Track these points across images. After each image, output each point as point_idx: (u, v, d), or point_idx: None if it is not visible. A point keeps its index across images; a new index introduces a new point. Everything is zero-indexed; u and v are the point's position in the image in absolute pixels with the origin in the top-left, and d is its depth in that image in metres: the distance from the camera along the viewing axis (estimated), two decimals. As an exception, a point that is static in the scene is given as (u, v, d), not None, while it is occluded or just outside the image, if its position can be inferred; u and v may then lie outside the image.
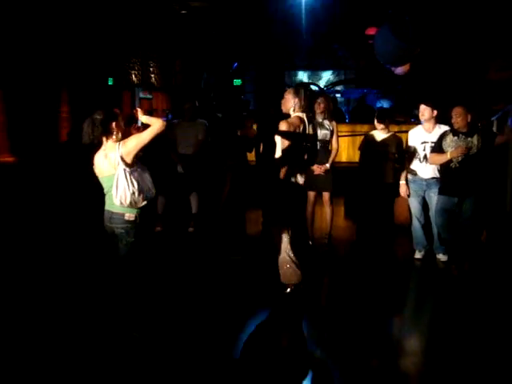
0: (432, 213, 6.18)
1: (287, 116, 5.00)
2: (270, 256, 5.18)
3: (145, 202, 4.22)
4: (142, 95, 15.57)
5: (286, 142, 4.80)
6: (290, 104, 4.99)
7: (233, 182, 7.57)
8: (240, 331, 4.34)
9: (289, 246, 4.93)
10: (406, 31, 8.25)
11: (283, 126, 4.83)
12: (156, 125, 4.16)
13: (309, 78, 20.25)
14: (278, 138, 4.86)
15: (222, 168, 7.53)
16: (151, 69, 16.20)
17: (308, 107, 5.01)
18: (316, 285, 5.38)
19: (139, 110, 4.37)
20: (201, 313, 4.76)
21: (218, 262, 6.20)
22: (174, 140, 7.35)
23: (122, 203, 4.12)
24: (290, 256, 4.93)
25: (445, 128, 6.10)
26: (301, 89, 5.01)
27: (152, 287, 4.96)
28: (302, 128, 4.89)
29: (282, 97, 5.10)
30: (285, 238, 4.94)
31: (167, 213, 7.58)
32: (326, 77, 20.25)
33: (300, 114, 4.95)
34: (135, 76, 15.31)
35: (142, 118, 4.29)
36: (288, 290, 4.99)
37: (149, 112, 9.43)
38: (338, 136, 6.99)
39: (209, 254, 6.52)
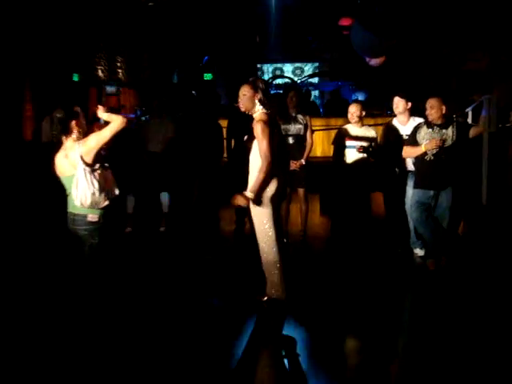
0: (408, 207, 6.26)
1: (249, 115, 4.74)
2: (245, 255, 5.19)
3: (107, 202, 4.23)
4: (109, 91, 15.48)
5: (265, 145, 4.51)
6: (253, 101, 4.63)
7: (201, 186, 7.58)
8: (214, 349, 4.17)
9: (275, 244, 4.70)
10: (378, 24, 8.34)
11: (261, 129, 4.51)
12: (116, 122, 4.16)
13: (281, 71, 20.31)
14: (255, 142, 4.61)
15: (191, 172, 7.53)
16: (118, 63, 16.09)
17: (268, 102, 4.66)
18: (292, 285, 5.40)
19: (100, 107, 4.36)
20: (171, 318, 4.74)
21: (190, 262, 6.21)
22: (143, 138, 7.33)
23: (82, 204, 4.13)
24: (275, 258, 4.71)
25: (419, 120, 6.18)
26: (257, 80, 4.69)
27: (120, 289, 4.94)
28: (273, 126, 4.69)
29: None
30: (269, 233, 4.69)
31: (138, 212, 7.56)
32: (299, 70, 20.31)
33: (265, 111, 4.64)
34: (102, 71, 15.20)
35: (103, 116, 4.29)
36: (265, 298, 4.83)
37: (116, 109, 9.42)
38: (313, 130, 7.04)
39: (181, 254, 6.53)
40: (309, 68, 20.21)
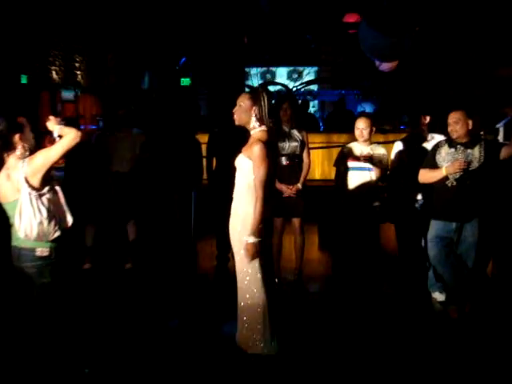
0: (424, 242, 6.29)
1: (242, 130, 4.75)
2: (229, 299, 5.16)
3: (58, 233, 4.20)
4: (65, 97, 15.47)
5: (264, 172, 4.51)
6: (249, 114, 4.63)
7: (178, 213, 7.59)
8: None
9: (261, 289, 4.66)
10: (390, 21, 8.44)
11: (261, 151, 4.48)
12: (68, 136, 4.15)
13: (272, 75, 20.37)
14: (246, 164, 4.58)
15: (168, 198, 7.54)
16: (77, 64, 16.12)
17: (270, 117, 4.68)
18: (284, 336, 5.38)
19: (51, 118, 4.34)
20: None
21: (160, 305, 6.18)
22: (106, 155, 7.33)
23: (27, 235, 4.10)
24: (261, 304, 4.65)
25: (439, 138, 6.22)
26: (261, 92, 4.69)
27: (74, 341, 4.90)
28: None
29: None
30: (254, 275, 4.65)
31: (98, 245, 7.54)
32: (295, 76, 20.39)
33: (264, 129, 4.64)
34: (56, 73, 15.21)
35: (54, 129, 4.27)
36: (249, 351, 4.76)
37: (73, 119, 9.42)
38: (310, 148, 7.08)
39: (150, 296, 6.50)
40: (307, 72, 20.29)
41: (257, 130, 4.64)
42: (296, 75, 20.25)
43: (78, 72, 16.21)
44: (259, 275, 4.65)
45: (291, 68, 20.34)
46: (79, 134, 4.17)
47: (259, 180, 4.51)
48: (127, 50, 17.11)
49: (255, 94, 4.69)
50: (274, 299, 4.76)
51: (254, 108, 4.63)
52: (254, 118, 4.63)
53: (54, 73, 15.12)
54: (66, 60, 15.66)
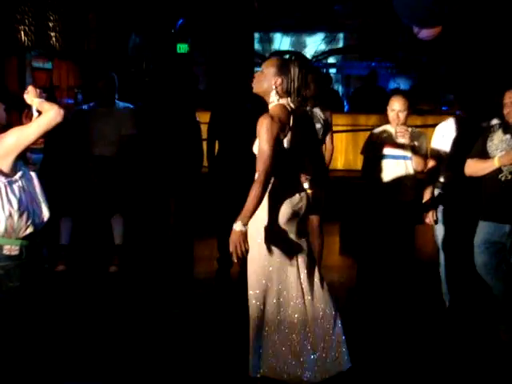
0: (439, 243, 6.40)
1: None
2: (231, 309, 5.21)
3: (31, 229, 4.21)
4: (36, 64, 15.46)
5: (266, 147, 4.48)
6: (270, 84, 4.62)
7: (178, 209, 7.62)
8: None
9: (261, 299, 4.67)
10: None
11: (267, 124, 4.48)
12: (48, 114, 4.14)
13: (291, 44, 20.29)
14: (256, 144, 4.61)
15: (162, 186, 7.57)
16: (50, 25, 16.12)
17: (300, 92, 4.66)
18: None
19: (31, 88, 4.35)
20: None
21: (151, 317, 6.22)
22: (86, 135, 7.36)
23: None
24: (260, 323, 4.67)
25: (492, 122, 6.22)
26: (292, 62, 4.71)
27: (46, 354, 4.95)
28: (290, 127, 4.63)
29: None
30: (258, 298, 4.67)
31: (76, 244, 7.58)
32: (316, 43, 20.30)
33: (286, 102, 4.64)
34: (25, 34, 15.22)
35: (34, 103, 4.28)
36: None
37: (47, 89, 9.42)
38: (333, 132, 7.10)
39: (138, 304, 6.54)
40: (321, 41, 20.13)
41: (272, 104, 4.64)
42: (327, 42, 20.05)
43: (53, 33, 16.20)
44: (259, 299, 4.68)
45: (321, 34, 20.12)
46: (61, 112, 4.16)
47: (259, 157, 4.48)
48: (112, 7, 17.09)
49: (284, 62, 4.70)
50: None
51: (277, 78, 4.60)
52: (274, 91, 4.62)
53: (22, 34, 15.13)
54: (38, 18, 15.65)
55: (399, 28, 11.28)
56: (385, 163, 6.53)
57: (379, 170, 6.56)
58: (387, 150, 6.52)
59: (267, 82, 4.62)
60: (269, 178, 4.51)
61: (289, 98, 4.64)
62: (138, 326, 6.06)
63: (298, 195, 4.71)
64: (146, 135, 7.50)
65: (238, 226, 4.39)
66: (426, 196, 6.47)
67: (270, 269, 4.64)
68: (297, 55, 18.61)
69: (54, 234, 7.33)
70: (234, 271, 7.22)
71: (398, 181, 6.49)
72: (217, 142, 7.43)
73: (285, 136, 4.58)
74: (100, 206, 7.44)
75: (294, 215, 4.68)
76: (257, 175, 4.50)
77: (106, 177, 7.34)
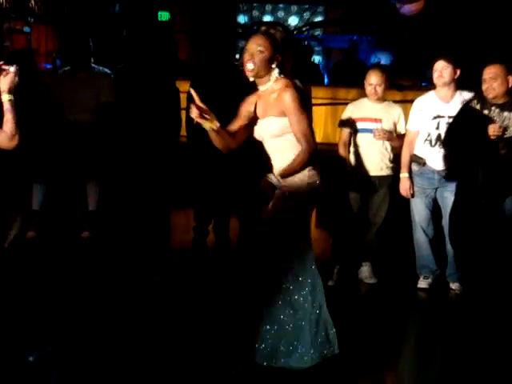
0: (446, 221, 6.34)
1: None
2: (207, 278, 5.18)
3: None
4: (14, 27, 15.27)
5: (306, 123, 4.49)
6: (269, 65, 4.48)
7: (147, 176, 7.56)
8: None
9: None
10: None
11: (297, 97, 4.44)
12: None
13: (272, 16, 20.18)
14: (278, 124, 4.50)
15: (139, 154, 7.52)
16: (29, -15, 15.95)
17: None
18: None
19: (8, 73, 4.29)
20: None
21: (125, 285, 6.19)
22: (61, 100, 7.29)
23: None
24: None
25: (468, 96, 6.21)
26: (284, 38, 4.60)
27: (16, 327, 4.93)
28: None
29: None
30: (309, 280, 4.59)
31: (48, 210, 7.53)
32: (297, 15, 20.20)
33: (287, 78, 4.59)
34: (3, -5, 15.04)
35: (3, 97, 4.23)
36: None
37: (25, 52, 9.28)
38: (312, 105, 7.06)
39: (113, 272, 6.53)
40: (302, 13, 19.99)
41: (278, 79, 4.53)
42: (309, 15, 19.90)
43: (31, -4, 16.04)
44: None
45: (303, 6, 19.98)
46: (16, 139, 4.15)
47: (303, 133, 4.46)
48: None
49: (277, 39, 4.55)
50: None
51: (277, 56, 4.51)
52: (275, 70, 4.51)
53: (0, -4, 14.95)
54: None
55: (382, 2, 11.22)
56: (361, 137, 6.51)
57: (356, 143, 6.55)
58: (364, 124, 6.50)
59: (266, 63, 4.45)
60: (311, 155, 4.51)
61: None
62: (111, 294, 6.03)
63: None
64: (124, 102, 7.43)
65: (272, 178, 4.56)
66: (404, 168, 6.46)
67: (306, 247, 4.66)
68: (280, 27, 18.52)
69: (27, 200, 7.26)
70: (210, 241, 7.21)
71: (375, 155, 6.48)
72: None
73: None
74: (74, 172, 7.41)
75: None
76: (306, 144, 4.46)
77: (82, 142, 7.28)
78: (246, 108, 4.67)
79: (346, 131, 6.60)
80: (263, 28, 4.64)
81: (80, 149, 7.30)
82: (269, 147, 4.61)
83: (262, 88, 4.57)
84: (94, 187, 7.51)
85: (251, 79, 4.52)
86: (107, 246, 7.30)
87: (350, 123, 6.57)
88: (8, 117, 4.13)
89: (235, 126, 4.68)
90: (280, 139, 4.52)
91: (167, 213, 8.05)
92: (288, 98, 4.41)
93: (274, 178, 4.61)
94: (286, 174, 4.52)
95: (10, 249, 6.31)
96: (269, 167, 4.69)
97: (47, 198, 7.46)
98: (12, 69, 4.17)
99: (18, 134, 4.16)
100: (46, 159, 7.23)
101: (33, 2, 15.92)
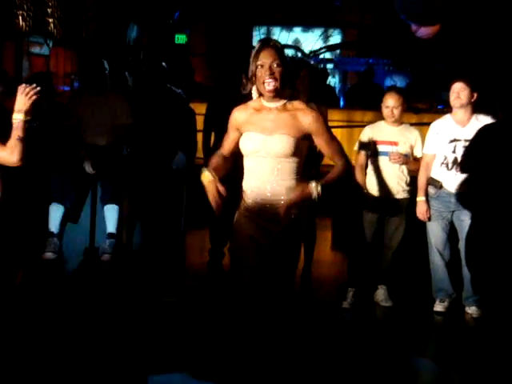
0: (462, 244, 6.33)
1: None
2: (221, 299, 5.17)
3: None
4: (33, 50, 15.39)
5: (335, 138, 4.55)
6: (287, 76, 4.32)
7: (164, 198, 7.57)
8: None
9: None
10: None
11: (321, 118, 4.40)
12: (6, 154, 4.23)
13: (288, 39, 20.23)
14: (287, 143, 4.32)
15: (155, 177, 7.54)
16: (49, 10, 16.05)
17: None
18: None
19: (24, 95, 4.33)
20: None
21: (141, 306, 6.20)
22: (77, 123, 7.32)
23: None
24: None
25: (485, 119, 6.22)
26: (303, 61, 4.65)
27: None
28: None
29: (248, 65, 4.58)
30: None
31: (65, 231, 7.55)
32: (313, 39, 20.25)
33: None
34: (23, 19, 15.15)
35: (18, 114, 4.28)
36: None
37: (43, 75, 9.36)
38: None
39: (129, 294, 6.55)
40: (318, 36, 20.05)
41: (292, 100, 4.40)
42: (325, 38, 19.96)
43: (51, 20, 16.14)
44: None
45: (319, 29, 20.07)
46: (16, 154, 4.22)
47: (338, 150, 4.46)
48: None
49: (298, 62, 4.55)
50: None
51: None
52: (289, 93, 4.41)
53: (20, 19, 15.07)
54: (36, 4, 15.59)
55: (398, 25, 11.22)
56: (378, 160, 6.52)
57: (372, 166, 6.55)
58: (381, 147, 6.51)
59: (287, 76, 4.30)
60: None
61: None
62: (129, 315, 6.05)
63: None
64: (141, 124, 7.47)
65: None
66: (421, 192, 6.47)
67: None
68: (296, 50, 18.59)
69: (44, 222, 7.29)
70: (226, 263, 7.21)
71: (392, 178, 6.49)
72: (213, 132, 7.41)
73: None
74: (91, 193, 7.45)
75: None
76: (343, 159, 4.45)
77: (98, 165, 7.31)
78: (235, 125, 4.61)
79: (363, 154, 6.62)
80: (266, 40, 4.50)
81: (97, 171, 7.33)
82: (264, 165, 4.42)
83: (273, 104, 4.35)
84: (114, 210, 7.52)
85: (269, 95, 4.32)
86: (126, 269, 7.31)
87: (367, 146, 6.58)
88: (13, 133, 4.21)
89: (229, 147, 4.73)
90: (285, 160, 4.36)
91: (183, 234, 8.05)
92: (316, 119, 4.33)
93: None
94: (324, 184, 4.32)
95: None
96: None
97: (66, 220, 7.47)
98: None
99: (18, 150, 4.24)
100: (64, 180, 7.26)
101: (52, 26, 16.04)
